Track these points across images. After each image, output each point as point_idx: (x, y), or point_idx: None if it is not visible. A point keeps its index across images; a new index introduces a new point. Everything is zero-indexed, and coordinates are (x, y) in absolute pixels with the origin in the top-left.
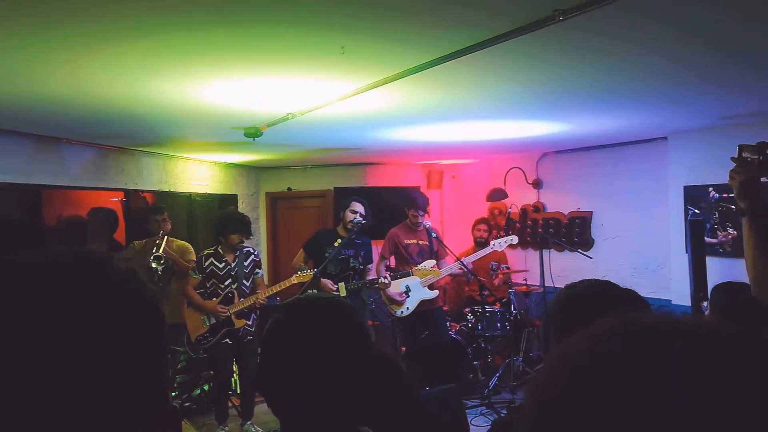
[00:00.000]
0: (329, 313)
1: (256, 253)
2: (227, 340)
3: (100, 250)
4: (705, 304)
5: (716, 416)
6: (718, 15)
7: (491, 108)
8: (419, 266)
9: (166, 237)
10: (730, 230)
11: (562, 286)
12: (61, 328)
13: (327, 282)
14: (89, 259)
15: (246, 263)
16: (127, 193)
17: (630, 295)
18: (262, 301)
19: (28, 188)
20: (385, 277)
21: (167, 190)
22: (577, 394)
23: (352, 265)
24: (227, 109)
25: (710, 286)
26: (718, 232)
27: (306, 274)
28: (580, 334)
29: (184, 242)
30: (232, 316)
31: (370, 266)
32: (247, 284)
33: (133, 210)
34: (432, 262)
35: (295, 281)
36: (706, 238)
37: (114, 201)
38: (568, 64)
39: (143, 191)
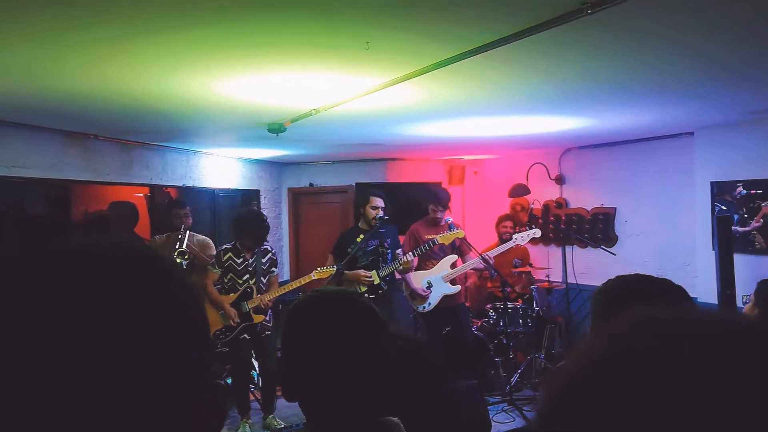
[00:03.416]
0: (342, 303)
1: (273, 251)
2: (245, 335)
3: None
4: (745, 298)
5: (728, 414)
6: (747, 6)
7: (515, 103)
8: (443, 234)
9: (188, 232)
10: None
11: (585, 283)
12: (122, 310)
13: (359, 271)
14: (140, 247)
15: (264, 260)
16: (152, 188)
17: (675, 290)
18: (267, 304)
19: (57, 183)
20: (408, 254)
21: (191, 185)
22: (587, 391)
23: (380, 251)
24: (251, 105)
25: (738, 284)
26: (750, 221)
27: (326, 270)
28: (598, 330)
29: (205, 237)
30: (251, 312)
31: (399, 251)
32: (264, 281)
33: (158, 205)
34: (454, 257)
35: (316, 277)
36: (736, 228)
37: (138, 196)
38: (595, 59)
39: (167, 186)
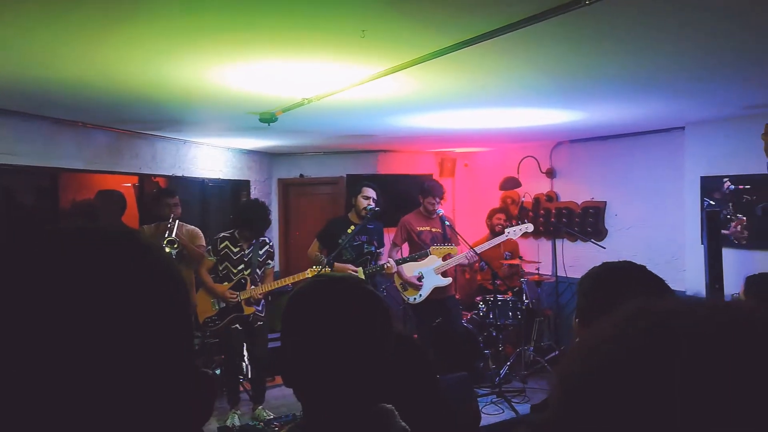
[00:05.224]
0: (349, 290)
1: (271, 243)
2: (237, 325)
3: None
4: (734, 295)
5: (741, 398)
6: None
7: (509, 95)
8: (436, 246)
9: (177, 221)
10: (739, 216)
11: (574, 276)
12: (107, 295)
13: (347, 266)
14: (123, 232)
15: (261, 252)
16: (141, 177)
17: (653, 278)
18: (258, 296)
19: (45, 171)
20: (388, 261)
21: (180, 174)
22: (603, 382)
23: (367, 250)
24: (243, 94)
25: (726, 278)
26: (731, 223)
27: (321, 271)
28: (602, 320)
29: (193, 227)
30: (242, 303)
31: (381, 251)
32: (259, 273)
33: (146, 194)
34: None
35: (310, 275)
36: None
37: (127, 186)
38: (590, 50)
39: (156, 176)
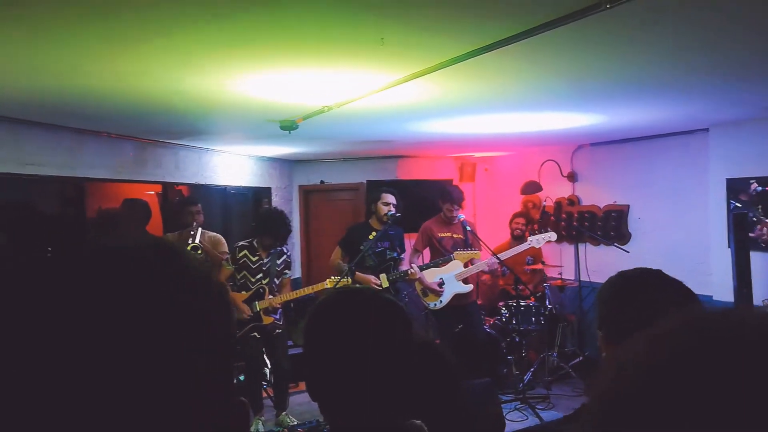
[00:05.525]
0: (371, 302)
1: (288, 254)
2: (255, 334)
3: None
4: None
5: None
6: (764, 1)
7: (529, 99)
8: (459, 251)
9: (200, 229)
10: (765, 219)
11: (598, 281)
12: (148, 314)
13: (369, 276)
14: (167, 248)
15: (279, 261)
16: (165, 186)
17: (671, 281)
18: (277, 306)
19: (71, 181)
20: (412, 267)
21: (203, 183)
22: (653, 395)
23: (389, 256)
24: (264, 102)
25: (753, 282)
26: (757, 226)
27: (341, 281)
28: (642, 334)
29: (216, 234)
30: (261, 313)
31: (403, 257)
32: (277, 282)
33: (170, 203)
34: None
35: (329, 286)
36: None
37: (150, 194)
38: (611, 54)
39: (179, 184)
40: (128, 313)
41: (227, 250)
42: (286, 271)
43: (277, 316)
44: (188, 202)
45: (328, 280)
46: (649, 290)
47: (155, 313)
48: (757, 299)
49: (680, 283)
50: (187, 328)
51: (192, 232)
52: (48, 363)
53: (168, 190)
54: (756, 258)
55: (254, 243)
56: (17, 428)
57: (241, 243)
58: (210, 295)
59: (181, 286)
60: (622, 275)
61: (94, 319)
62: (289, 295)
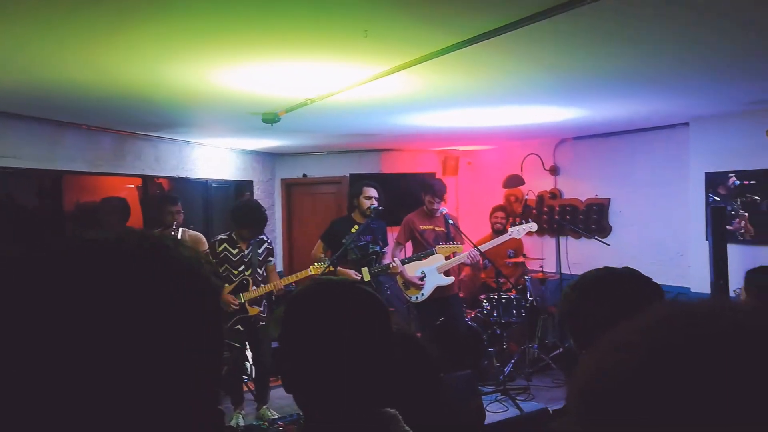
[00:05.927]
0: (349, 293)
1: (269, 241)
2: (239, 326)
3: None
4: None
5: None
6: None
7: (512, 93)
8: (441, 245)
9: (180, 228)
10: (742, 212)
11: (579, 274)
12: (136, 311)
13: (349, 271)
14: (159, 241)
15: (260, 251)
16: (145, 179)
17: (646, 282)
18: (281, 289)
19: (48, 174)
20: (394, 260)
21: (184, 176)
22: (637, 385)
23: (372, 249)
24: (246, 94)
25: (731, 274)
26: (735, 219)
27: (323, 267)
28: (624, 325)
29: (196, 233)
30: (246, 304)
31: (385, 250)
32: (260, 272)
33: (150, 196)
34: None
35: (312, 272)
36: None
37: (130, 187)
38: (593, 48)
39: (160, 177)
40: (119, 308)
41: (208, 248)
42: (270, 258)
43: (262, 308)
44: (168, 201)
45: (311, 266)
46: (632, 286)
47: (146, 307)
48: (732, 293)
49: (647, 279)
50: (178, 324)
51: (172, 232)
52: (42, 358)
53: (148, 183)
54: (733, 250)
55: (233, 236)
56: (17, 428)
57: (219, 237)
58: (197, 289)
59: (170, 279)
60: (584, 276)
61: (88, 314)
62: (274, 285)
